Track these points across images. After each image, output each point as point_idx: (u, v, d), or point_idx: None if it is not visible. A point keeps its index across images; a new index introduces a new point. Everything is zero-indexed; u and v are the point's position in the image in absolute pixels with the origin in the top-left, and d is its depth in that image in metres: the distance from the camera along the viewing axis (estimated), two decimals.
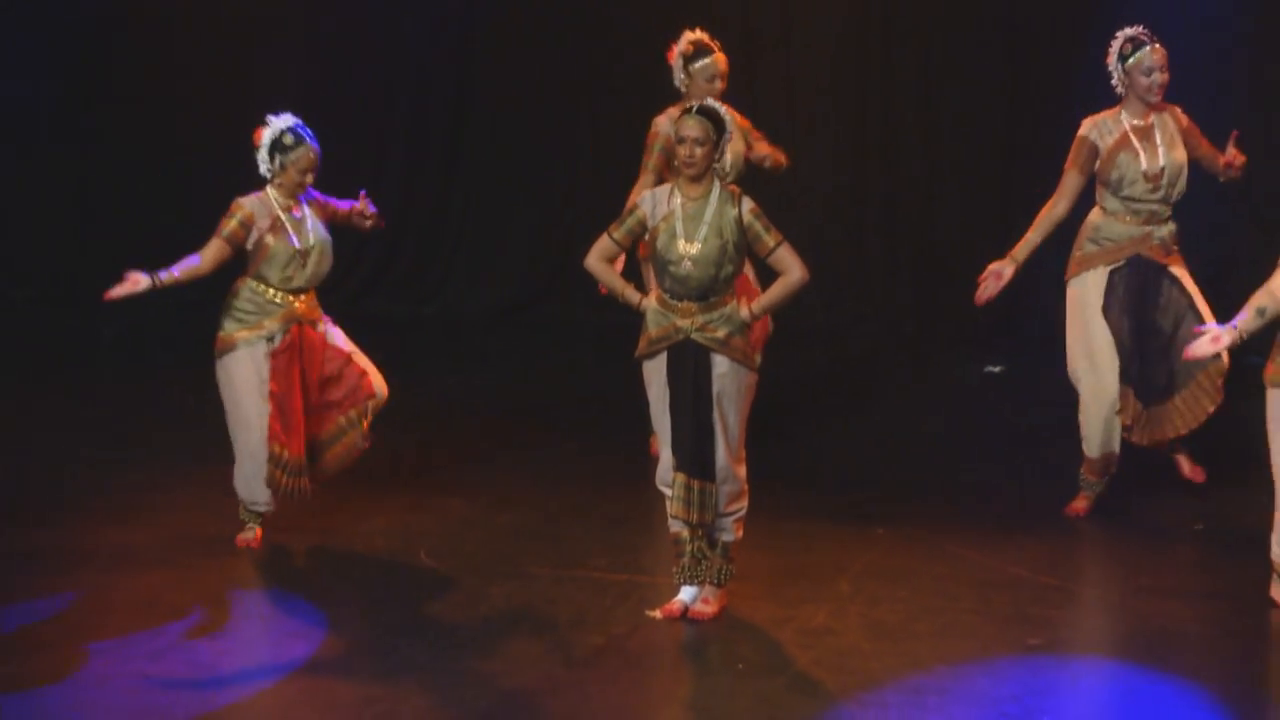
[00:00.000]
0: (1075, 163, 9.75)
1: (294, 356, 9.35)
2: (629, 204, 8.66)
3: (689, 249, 8.31)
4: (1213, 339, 8.29)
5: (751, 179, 10.43)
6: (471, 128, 14.22)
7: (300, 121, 9.38)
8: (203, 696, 8.00)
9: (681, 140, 8.34)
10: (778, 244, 8.38)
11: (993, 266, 9.74)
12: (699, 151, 8.31)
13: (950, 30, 13.35)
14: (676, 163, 8.41)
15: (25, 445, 11.06)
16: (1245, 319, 8.23)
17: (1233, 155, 9.73)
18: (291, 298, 9.35)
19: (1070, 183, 9.77)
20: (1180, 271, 9.75)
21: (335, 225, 9.51)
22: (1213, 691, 8.05)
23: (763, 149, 10.67)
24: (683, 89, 10.58)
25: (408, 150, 14.28)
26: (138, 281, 9.18)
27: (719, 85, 10.51)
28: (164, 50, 14.51)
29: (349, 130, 14.16)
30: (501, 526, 9.92)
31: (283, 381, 9.33)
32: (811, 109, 13.44)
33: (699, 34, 10.60)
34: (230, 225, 9.26)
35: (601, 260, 8.54)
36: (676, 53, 10.59)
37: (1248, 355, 11.72)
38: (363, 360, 9.52)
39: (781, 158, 10.80)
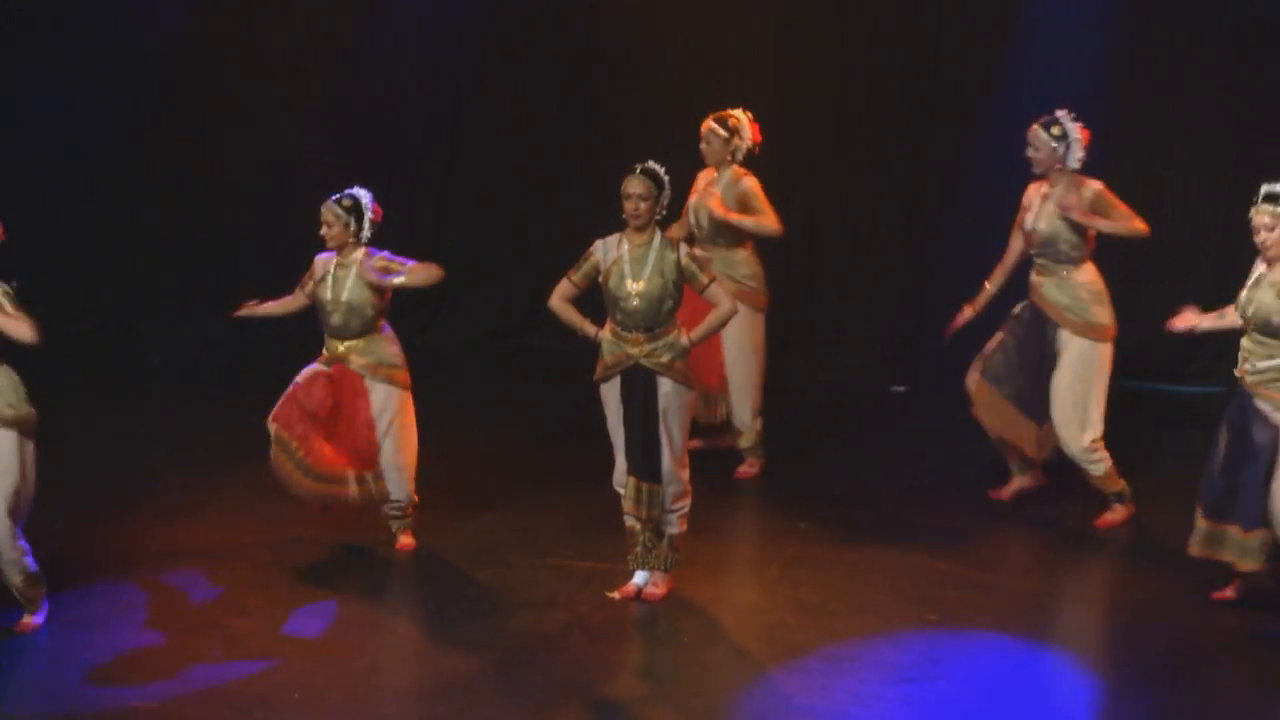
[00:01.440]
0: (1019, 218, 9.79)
1: (331, 387, 9.16)
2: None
3: (636, 287, 8.34)
4: (1184, 319, 8.42)
5: None
6: (459, 188, 14.18)
7: (344, 192, 9.22)
8: (235, 665, 8.02)
9: (627, 196, 8.38)
10: (710, 282, 8.42)
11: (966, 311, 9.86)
12: (642, 206, 8.34)
13: (863, 91, 13.31)
14: (624, 214, 8.43)
15: (87, 456, 11.01)
16: (1210, 318, 8.41)
17: (1071, 201, 9.55)
18: (334, 340, 9.19)
19: (1011, 242, 9.83)
20: (1067, 336, 9.64)
21: (384, 285, 9.11)
22: (1085, 660, 8.12)
23: (731, 216, 10.27)
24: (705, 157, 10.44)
25: (406, 207, 14.24)
26: (252, 307, 9.23)
27: (705, 147, 10.33)
28: (210, 108, 14.39)
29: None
30: (486, 522, 9.88)
31: (313, 394, 9.11)
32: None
33: (726, 112, 10.43)
34: (305, 279, 9.22)
35: (562, 300, 8.54)
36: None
37: (1159, 384, 11.86)
38: (386, 439, 9.16)
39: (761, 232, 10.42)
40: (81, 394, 12.38)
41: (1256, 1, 12.34)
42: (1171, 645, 8.28)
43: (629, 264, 8.37)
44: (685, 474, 8.58)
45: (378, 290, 9.12)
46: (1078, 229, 9.53)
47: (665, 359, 8.39)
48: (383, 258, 9.12)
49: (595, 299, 8.50)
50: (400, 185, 14.17)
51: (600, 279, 8.45)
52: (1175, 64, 12.53)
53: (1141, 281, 12.68)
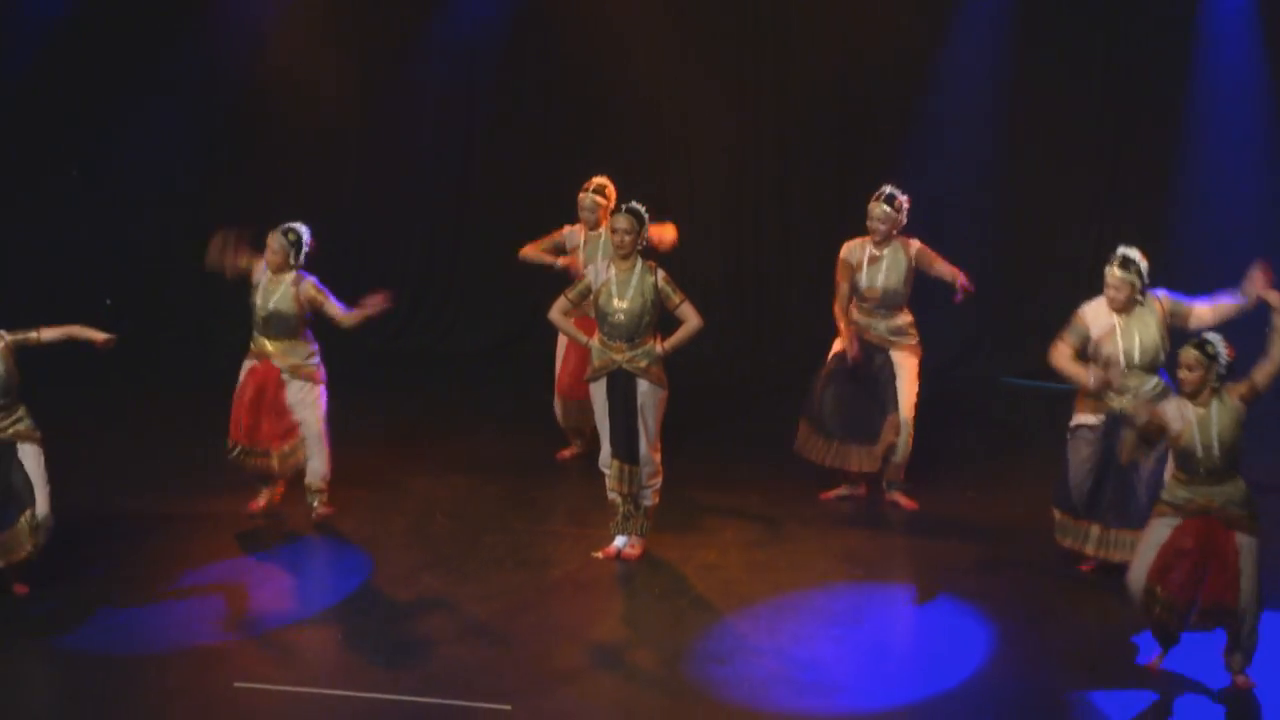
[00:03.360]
0: (841, 275, 9.35)
1: (252, 379, 9.16)
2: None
3: (620, 305, 8.38)
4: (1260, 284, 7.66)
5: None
6: (471, 219, 14.00)
7: (291, 225, 9.20)
8: (284, 612, 8.05)
9: (614, 230, 8.43)
10: (682, 301, 8.46)
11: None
12: (626, 238, 8.39)
13: (801, 150, 13.27)
14: (612, 245, 8.46)
15: (167, 442, 10.96)
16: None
17: (963, 283, 9.19)
18: (262, 339, 9.17)
19: (840, 290, 9.38)
20: (899, 356, 9.32)
21: (314, 308, 9.08)
22: (982, 606, 8.14)
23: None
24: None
25: (425, 236, 14.14)
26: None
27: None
28: (269, 150, 14.18)
29: (386, 224, 14.06)
30: (493, 495, 9.83)
31: (245, 393, 9.15)
32: (705, 204, 13.39)
33: (610, 190, 10.00)
34: (253, 263, 9.21)
35: (560, 314, 8.60)
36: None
37: (1041, 382, 11.82)
38: (309, 429, 9.12)
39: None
40: (163, 393, 12.33)
41: (1123, 75, 12.38)
42: (1052, 595, 8.33)
43: (615, 285, 8.41)
44: (658, 457, 8.61)
45: (301, 306, 9.09)
46: (910, 282, 9.28)
47: (643, 364, 8.42)
48: (311, 284, 9.08)
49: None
50: (421, 216, 14.08)
51: (591, 297, 8.48)
52: (1059, 122, 12.52)
53: (1027, 301, 12.71)
